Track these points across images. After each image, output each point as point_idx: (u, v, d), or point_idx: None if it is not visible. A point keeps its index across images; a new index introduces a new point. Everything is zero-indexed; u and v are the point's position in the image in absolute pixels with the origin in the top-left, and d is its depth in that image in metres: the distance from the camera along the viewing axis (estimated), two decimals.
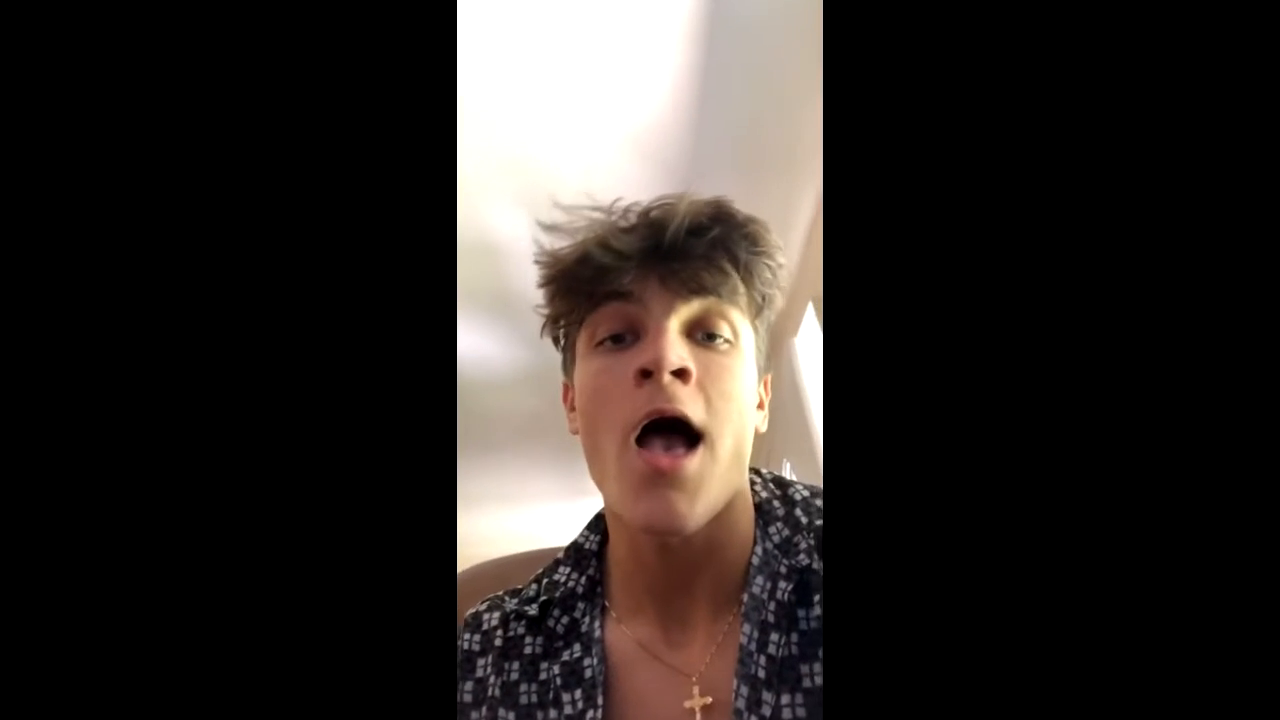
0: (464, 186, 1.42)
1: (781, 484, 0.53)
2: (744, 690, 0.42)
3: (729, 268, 0.45)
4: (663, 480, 0.42)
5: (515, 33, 1.17)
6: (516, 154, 1.42)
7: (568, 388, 0.53)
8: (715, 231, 0.45)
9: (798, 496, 0.51)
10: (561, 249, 0.48)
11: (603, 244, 0.46)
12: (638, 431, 0.43)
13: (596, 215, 0.48)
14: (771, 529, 0.49)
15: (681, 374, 0.43)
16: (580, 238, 0.47)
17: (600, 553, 0.53)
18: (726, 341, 0.46)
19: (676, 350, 0.43)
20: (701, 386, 0.44)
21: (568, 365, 0.52)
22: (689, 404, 0.43)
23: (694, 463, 0.42)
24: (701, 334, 0.46)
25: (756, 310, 0.49)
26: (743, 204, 0.47)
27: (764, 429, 0.51)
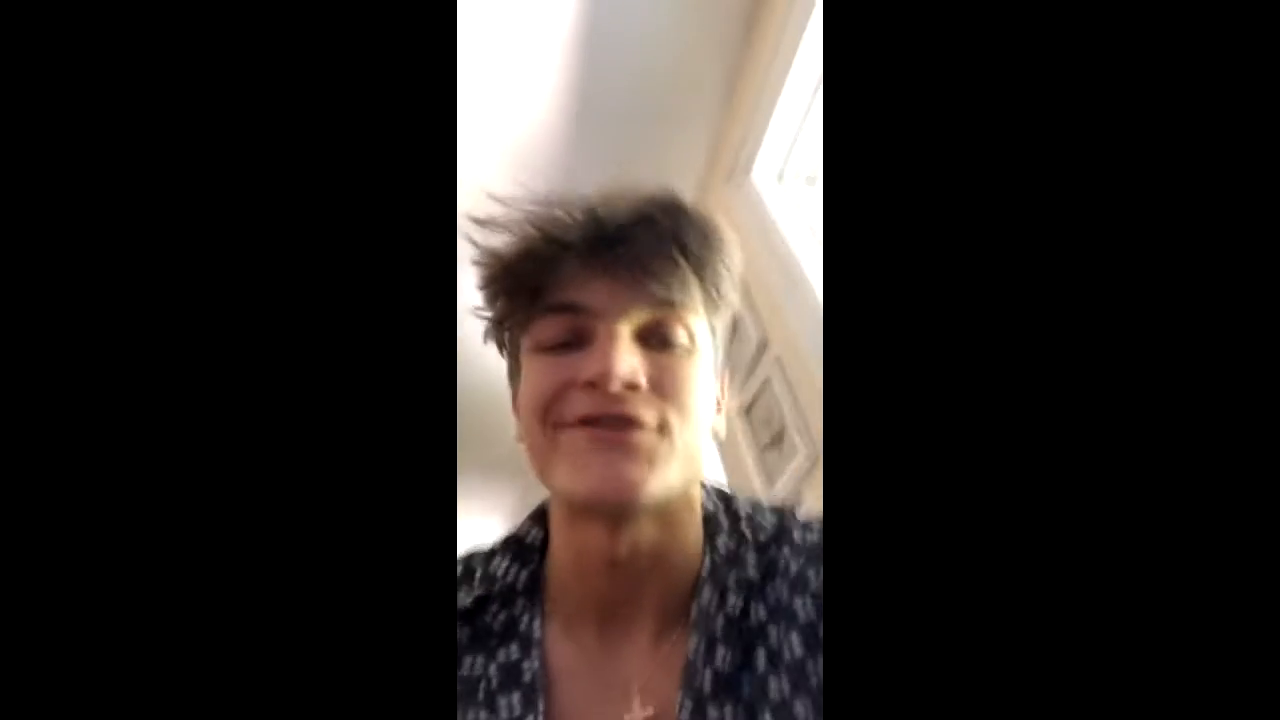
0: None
1: (725, 497, 0.52)
2: (689, 703, 0.41)
3: (681, 263, 0.43)
4: (612, 445, 0.40)
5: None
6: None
7: (513, 395, 0.49)
8: (664, 224, 0.43)
9: (741, 511, 0.50)
10: (500, 246, 0.44)
11: (545, 237, 0.42)
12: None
13: (534, 208, 0.44)
14: (718, 541, 0.47)
15: (631, 386, 0.41)
16: (519, 232, 0.44)
17: (542, 548, 0.50)
18: (683, 346, 0.44)
19: (626, 362, 0.41)
20: (655, 392, 0.42)
21: (513, 371, 0.48)
22: (640, 407, 0.41)
23: (646, 435, 0.41)
24: (656, 339, 0.43)
25: (712, 308, 0.46)
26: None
27: (724, 434, 0.49)
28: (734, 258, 0.46)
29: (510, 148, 1.37)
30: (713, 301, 0.45)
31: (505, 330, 0.47)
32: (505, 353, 0.49)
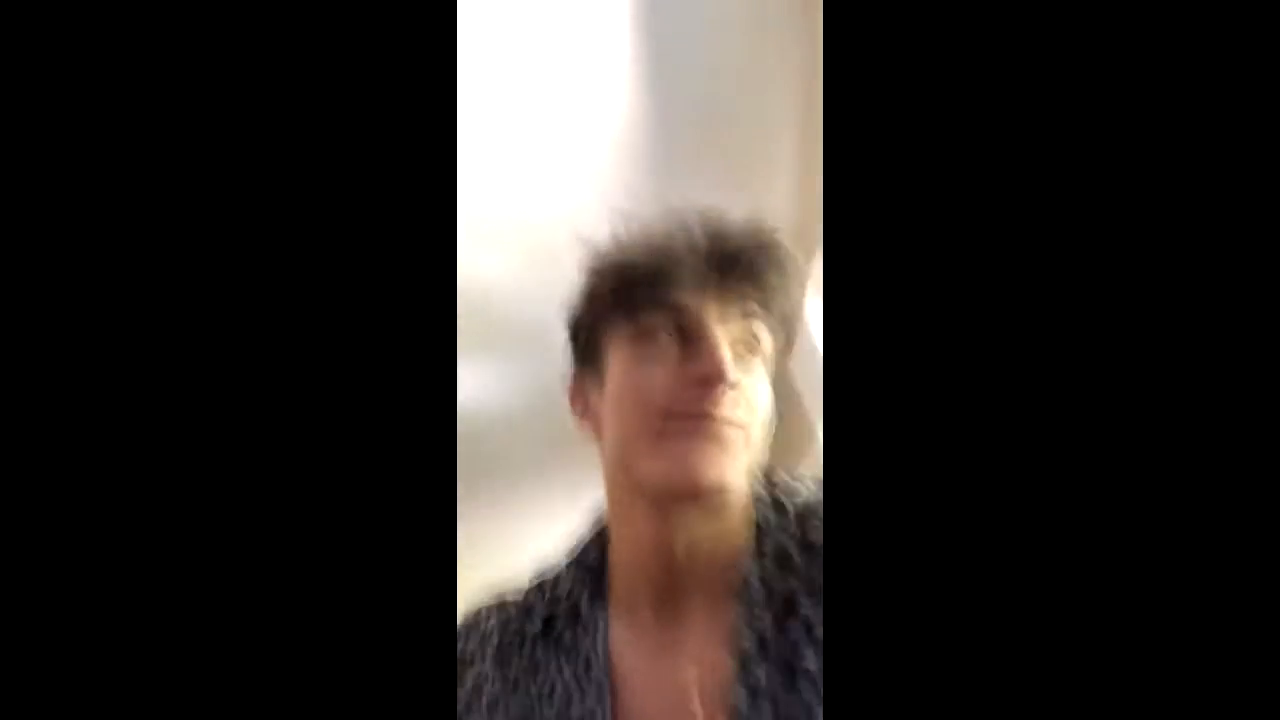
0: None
1: (765, 470, 0.55)
2: (735, 665, 0.45)
3: (778, 287, 0.49)
4: (709, 437, 0.44)
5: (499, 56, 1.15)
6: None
7: (578, 386, 0.54)
8: (771, 252, 0.49)
9: (780, 480, 0.53)
10: (626, 243, 0.50)
11: (668, 241, 0.48)
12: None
13: (663, 216, 0.50)
14: (759, 513, 0.51)
15: (734, 386, 0.46)
16: (645, 231, 0.49)
17: (602, 558, 0.55)
18: (759, 356, 0.49)
19: (732, 365, 0.46)
20: (742, 394, 0.47)
21: (590, 361, 0.53)
22: (733, 407, 0.46)
23: (735, 432, 0.45)
24: (741, 346, 0.48)
25: (777, 329, 0.51)
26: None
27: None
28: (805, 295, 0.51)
29: (600, 155, 1.39)
30: (783, 324, 0.51)
31: (596, 319, 0.52)
32: (580, 344, 0.54)
